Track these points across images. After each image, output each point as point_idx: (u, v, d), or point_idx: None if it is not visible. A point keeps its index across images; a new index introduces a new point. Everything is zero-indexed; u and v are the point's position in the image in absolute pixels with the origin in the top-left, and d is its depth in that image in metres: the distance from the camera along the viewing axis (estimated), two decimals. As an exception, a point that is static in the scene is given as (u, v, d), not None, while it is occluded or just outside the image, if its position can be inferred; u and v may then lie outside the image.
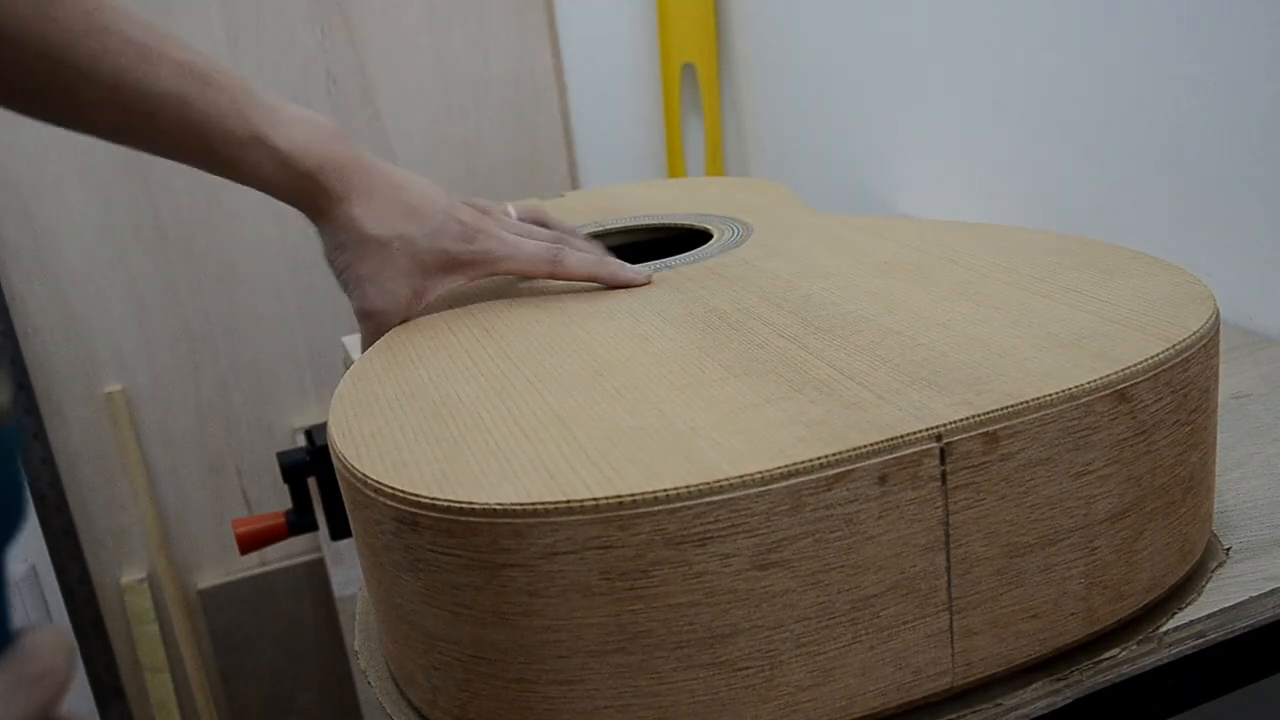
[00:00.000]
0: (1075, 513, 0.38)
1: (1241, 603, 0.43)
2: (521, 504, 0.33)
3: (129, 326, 1.26)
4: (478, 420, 0.39)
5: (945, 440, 0.35)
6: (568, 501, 0.32)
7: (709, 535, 0.33)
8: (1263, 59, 0.66)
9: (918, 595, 0.36)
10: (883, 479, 0.34)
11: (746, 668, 0.35)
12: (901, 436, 0.35)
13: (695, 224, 0.72)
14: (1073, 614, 0.39)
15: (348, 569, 1.07)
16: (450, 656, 0.37)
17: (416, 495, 0.34)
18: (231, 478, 1.33)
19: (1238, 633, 0.44)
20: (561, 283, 0.58)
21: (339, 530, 0.79)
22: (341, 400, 0.44)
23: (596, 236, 0.73)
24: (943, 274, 0.51)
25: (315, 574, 1.38)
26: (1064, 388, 0.37)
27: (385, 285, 0.54)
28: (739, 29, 1.29)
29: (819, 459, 0.34)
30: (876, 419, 0.36)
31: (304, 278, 1.31)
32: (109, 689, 1.32)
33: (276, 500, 1.33)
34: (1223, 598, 0.44)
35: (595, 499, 0.32)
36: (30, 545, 1.27)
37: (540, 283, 0.59)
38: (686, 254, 0.61)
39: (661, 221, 0.75)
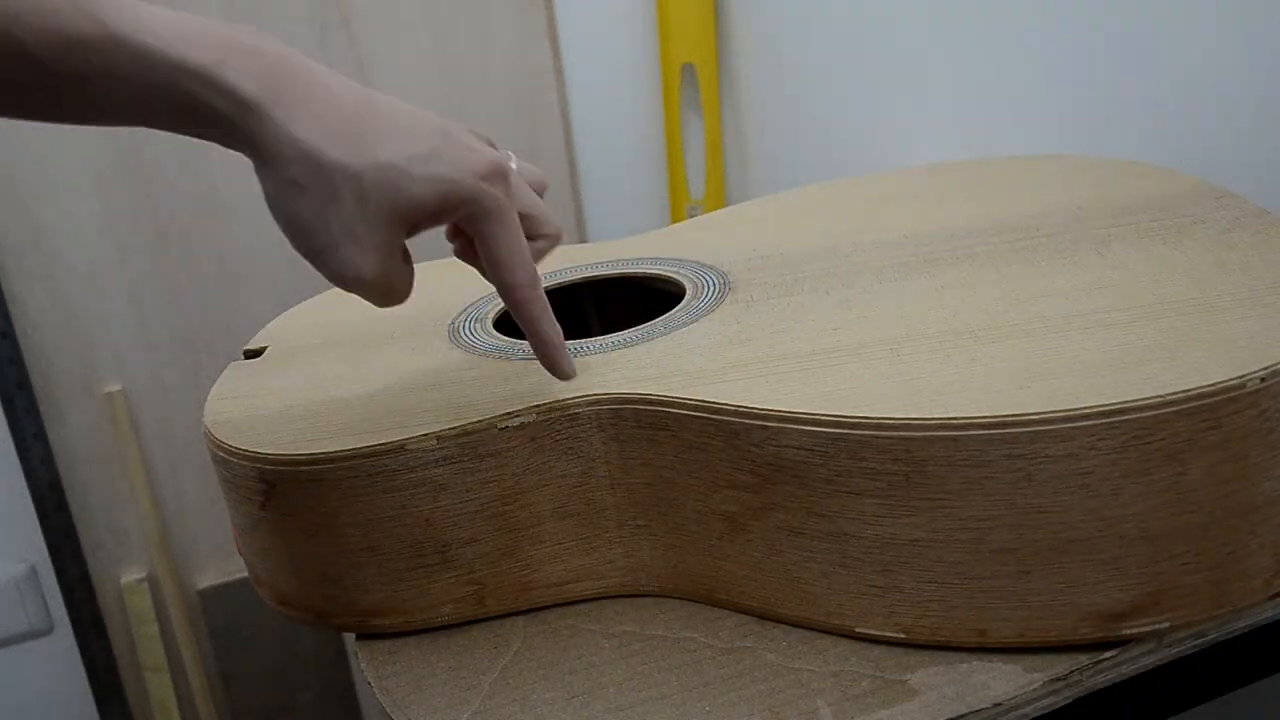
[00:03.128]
0: None
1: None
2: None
3: (129, 326, 1.26)
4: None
5: None
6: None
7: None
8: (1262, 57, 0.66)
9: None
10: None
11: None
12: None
13: (673, 275, 0.63)
14: None
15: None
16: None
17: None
18: (231, 478, 1.32)
19: (1238, 633, 0.44)
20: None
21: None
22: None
23: (571, 285, 0.66)
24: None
25: (315, 574, 1.38)
26: None
27: (342, 235, 0.40)
28: (739, 29, 1.29)
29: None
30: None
31: (304, 278, 1.31)
32: (109, 689, 1.32)
33: (276, 500, 1.32)
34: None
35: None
36: (30, 545, 1.26)
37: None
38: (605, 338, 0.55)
39: (649, 270, 0.65)
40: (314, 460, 0.47)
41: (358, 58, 1.28)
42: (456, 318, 0.61)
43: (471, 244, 0.45)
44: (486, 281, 0.67)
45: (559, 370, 0.47)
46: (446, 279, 0.67)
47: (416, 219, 0.41)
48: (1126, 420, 0.39)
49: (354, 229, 0.40)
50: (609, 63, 1.38)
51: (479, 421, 0.47)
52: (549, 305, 0.46)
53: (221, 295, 1.29)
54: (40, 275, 1.22)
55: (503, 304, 0.62)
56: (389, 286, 0.43)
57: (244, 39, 0.39)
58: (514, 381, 0.50)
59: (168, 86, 0.38)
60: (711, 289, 0.58)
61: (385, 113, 0.41)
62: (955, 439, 0.40)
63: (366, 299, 0.43)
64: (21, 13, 0.36)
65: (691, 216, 1.06)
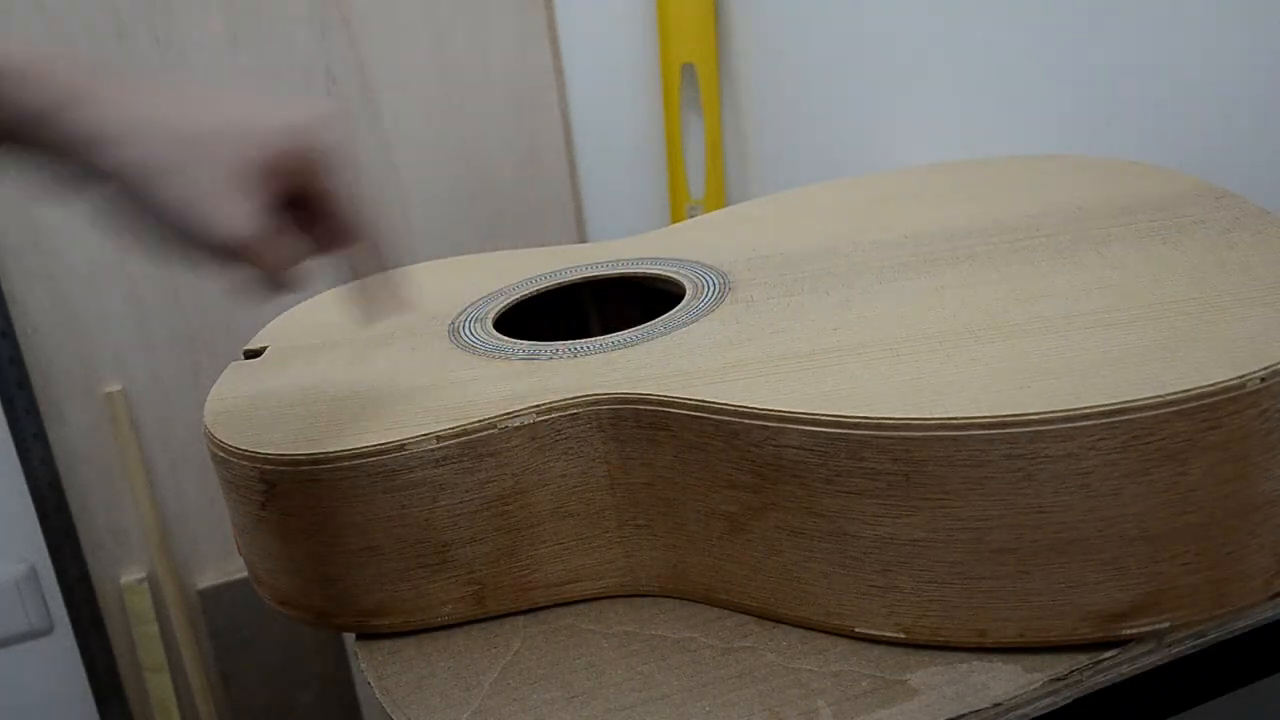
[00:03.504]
0: None
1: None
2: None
3: (129, 326, 1.26)
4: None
5: None
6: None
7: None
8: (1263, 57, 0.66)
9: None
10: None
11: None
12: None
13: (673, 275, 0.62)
14: None
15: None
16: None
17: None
18: (231, 478, 1.32)
19: (1238, 633, 0.44)
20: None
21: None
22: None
23: (572, 285, 0.66)
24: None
25: (315, 574, 1.38)
26: None
27: (202, 200, 0.40)
28: (739, 29, 1.29)
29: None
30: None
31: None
32: (109, 689, 1.32)
33: (276, 500, 1.32)
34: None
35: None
36: (30, 545, 1.26)
37: None
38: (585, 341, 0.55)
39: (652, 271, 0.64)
40: (314, 460, 0.47)
41: (358, 58, 1.28)
42: (456, 318, 0.61)
43: (297, 222, 0.45)
44: (486, 281, 0.67)
45: (387, 305, 0.47)
46: (446, 279, 0.67)
47: (266, 172, 0.41)
48: (1126, 420, 0.39)
49: (216, 189, 0.40)
50: (609, 63, 1.38)
51: (479, 421, 0.47)
52: (385, 246, 0.46)
53: (221, 295, 1.29)
54: (40, 275, 1.22)
55: (503, 304, 0.62)
56: (262, 254, 0.42)
57: (54, 51, 0.40)
58: (514, 381, 0.50)
59: None
60: (711, 289, 0.58)
61: (197, 89, 0.41)
62: (955, 439, 0.40)
63: (256, 269, 0.42)
64: None
65: (691, 216, 1.06)
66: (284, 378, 0.57)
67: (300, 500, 0.48)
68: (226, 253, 0.41)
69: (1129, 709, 0.43)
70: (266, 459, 0.48)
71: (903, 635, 0.44)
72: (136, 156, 0.39)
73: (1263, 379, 0.39)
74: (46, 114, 0.38)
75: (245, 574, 1.43)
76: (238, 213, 0.40)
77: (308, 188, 0.43)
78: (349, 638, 1.00)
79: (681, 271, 0.62)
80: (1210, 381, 0.39)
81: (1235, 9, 0.67)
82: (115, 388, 1.27)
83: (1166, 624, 0.42)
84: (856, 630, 0.45)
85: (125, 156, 0.39)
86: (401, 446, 0.46)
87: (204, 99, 0.41)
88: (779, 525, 0.45)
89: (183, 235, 0.40)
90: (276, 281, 0.43)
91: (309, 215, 0.45)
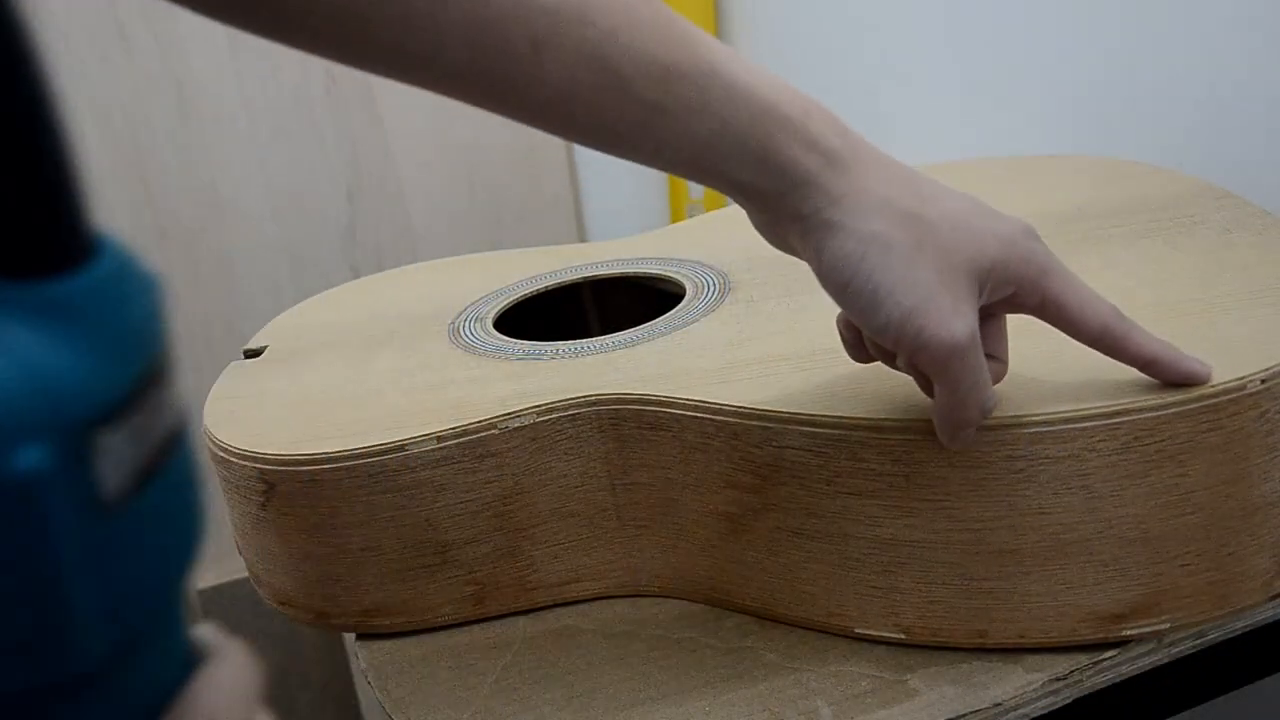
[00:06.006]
0: None
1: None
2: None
3: (129, 326, 1.26)
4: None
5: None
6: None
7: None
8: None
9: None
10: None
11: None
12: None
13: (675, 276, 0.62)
14: None
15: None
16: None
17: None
18: (231, 477, 1.32)
19: (1238, 633, 0.44)
20: None
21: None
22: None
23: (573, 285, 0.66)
24: None
25: (315, 574, 1.38)
26: None
27: (940, 292, 0.36)
28: (739, 29, 1.29)
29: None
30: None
31: (304, 277, 1.31)
32: (109, 689, 1.32)
33: (276, 500, 1.32)
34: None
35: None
36: (30, 545, 1.26)
37: None
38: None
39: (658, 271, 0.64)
40: (314, 460, 0.47)
41: (358, 57, 1.28)
42: (456, 318, 0.61)
43: (985, 328, 0.40)
44: (486, 281, 0.67)
45: (1194, 375, 0.40)
46: (446, 279, 0.67)
47: (987, 277, 0.38)
48: (1127, 421, 0.39)
49: (941, 283, 0.36)
50: (609, 62, 1.38)
51: (479, 421, 0.47)
52: (1135, 325, 0.40)
53: (221, 295, 1.29)
54: (40, 275, 1.22)
55: (503, 304, 0.62)
56: (979, 360, 0.37)
57: (816, 100, 0.38)
58: (514, 381, 0.50)
59: (749, 130, 0.36)
60: (712, 289, 0.58)
61: (924, 175, 0.39)
62: None
63: (953, 375, 0.37)
64: (618, 29, 0.34)
65: (691, 216, 1.06)
66: (284, 378, 0.57)
67: (300, 500, 0.48)
68: (941, 349, 0.36)
69: (1129, 709, 0.43)
70: (266, 459, 0.48)
71: (903, 635, 0.44)
72: (867, 230, 0.36)
73: (1263, 380, 0.39)
74: (797, 171, 0.36)
75: (245, 574, 1.43)
76: (955, 316, 0.36)
77: (1016, 297, 0.39)
78: (349, 638, 0.99)
79: (681, 271, 0.62)
80: (1210, 382, 0.39)
81: (1236, 9, 0.67)
82: (115, 387, 1.27)
83: (1166, 624, 0.42)
84: (856, 630, 0.45)
85: (855, 229, 0.36)
86: (401, 446, 0.46)
87: (929, 187, 0.38)
88: (779, 526, 0.45)
89: (897, 321, 0.36)
90: (968, 387, 0.38)
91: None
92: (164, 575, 0.20)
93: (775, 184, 0.37)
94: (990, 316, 0.40)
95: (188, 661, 0.21)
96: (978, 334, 0.37)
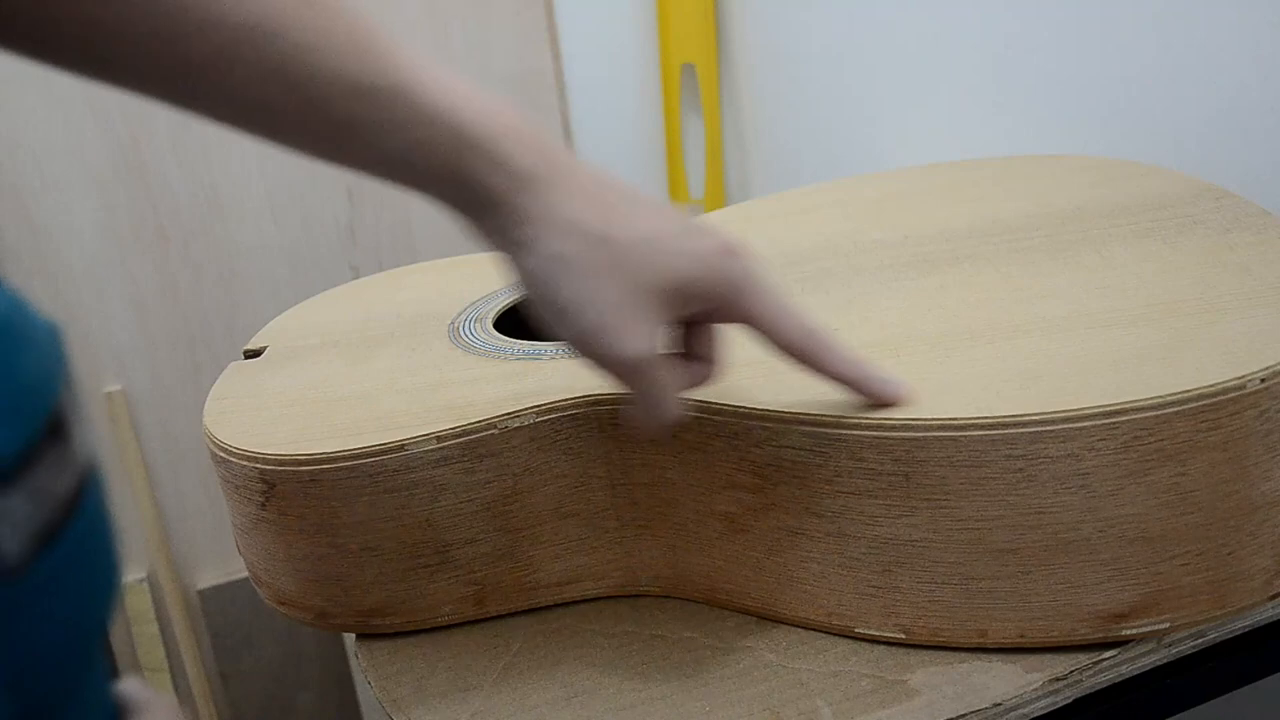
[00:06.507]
0: None
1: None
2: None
3: (129, 326, 1.26)
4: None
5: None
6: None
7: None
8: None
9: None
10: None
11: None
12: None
13: None
14: None
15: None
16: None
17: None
18: (231, 478, 1.32)
19: (1238, 633, 0.44)
20: None
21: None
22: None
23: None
24: None
25: (315, 574, 1.37)
26: None
27: (617, 312, 0.38)
28: (739, 29, 1.29)
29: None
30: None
31: (304, 278, 1.31)
32: (109, 689, 1.32)
33: (276, 500, 1.32)
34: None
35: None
36: (30, 545, 1.26)
37: None
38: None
39: None
40: (314, 460, 0.47)
41: (358, 58, 1.28)
42: (456, 318, 0.61)
43: (692, 335, 0.43)
44: (486, 281, 0.67)
45: (885, 395, 0.42)
46: (446, 279, 0.67)
47: (676, 295, 0.40)
48: (1126, 421, 0.39)
49: (621, 302, 0.38)
50: (609, 63, 1.38)
51: (479, 421, 0.47)
52: (833, 342, 0.42)
53: (221, 295, 1.29)
54: (40, 275, 1.22)
55: (503, 304, 0.62)
56: (656, 375, 0.40)
57: (515, 113, 0.38)
58: (514, 381, 0.50)
59: (439, 150, 0.37)
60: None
61: (625, 191, 0.40)
62: (955, 439, 0.40)
63: (634, 385, 0.40)
64: (311, 46, 0.35)
65: (691, 217, 1.06)
66: (284, 378, 0.57)
67: (300, 500, 0.48)
68: (619, 366, 0.39)
69: (1129, 709, 0.43)
70: (266, 459, 0.48)
71: (903, 635, 0.44)
72: (552, 251, 0.38)
73: (1262, 379, 0.39)
74: (487, 192, 0.38)
75: (245, 574, 1.43)
76: (630, 334, 0.39)
77: (717, 310, 0.41)
78: (349, 638, 0.99)
79: None
80: (1210, 382, 0.39)
81: (1236, 9, 0.67)
82: (115, 388, 1.27)
83: (1166, 624, 0.42)
84: (856, 630, 0.45)
85: (541, 249, 0.38)
86: (401, 446, 0.46)
87: (629, 207, 0.39)
88: (779, 526, 0.45)
89: (583, 338, 0.39)
90: (650, 401, 0.41)
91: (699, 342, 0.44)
92: (73, 637, 0.18)
93: (467, 202, 0.38)
94: (699, 325, 0.43)
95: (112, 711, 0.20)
96: (655, 350, 0.39)
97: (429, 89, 0.36)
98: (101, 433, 1.27)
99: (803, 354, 0.42)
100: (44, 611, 0.17)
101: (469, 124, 0.37)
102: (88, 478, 0.19)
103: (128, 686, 0.21)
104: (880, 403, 0.42)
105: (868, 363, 0.43)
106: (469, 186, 0.38)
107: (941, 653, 0.44)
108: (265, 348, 0.62)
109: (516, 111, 0.39)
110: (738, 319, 0.41)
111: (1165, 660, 0.43)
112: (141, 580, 1.31)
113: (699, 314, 0.41)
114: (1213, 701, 0.46)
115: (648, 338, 0.39)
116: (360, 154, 0.37)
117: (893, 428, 0.41)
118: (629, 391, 0.41)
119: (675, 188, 1.38)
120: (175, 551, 1.34)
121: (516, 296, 0.63)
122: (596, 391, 0.47)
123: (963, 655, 0.44)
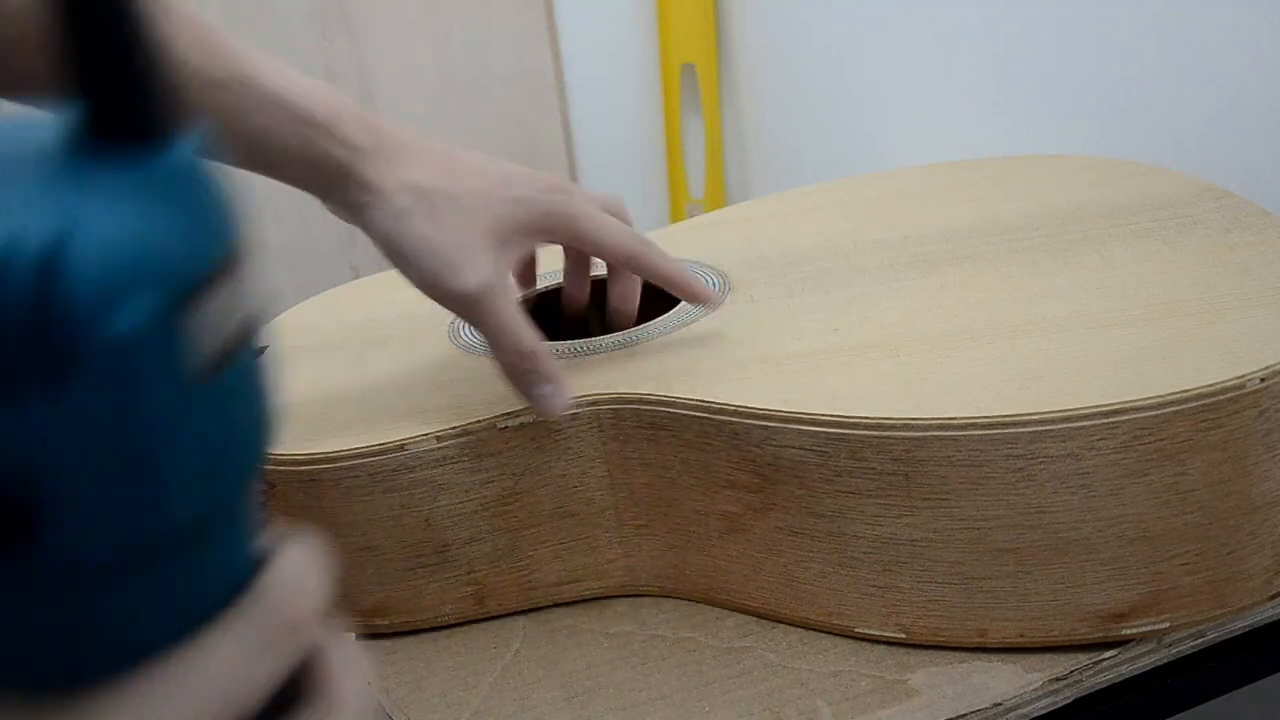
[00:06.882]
0: None
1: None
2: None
3: (129, 326, 1.26)
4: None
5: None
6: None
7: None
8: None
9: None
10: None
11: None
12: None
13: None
14: None
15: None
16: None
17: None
18: (231, 478, 1.32)
19: (1238, 633, 0.44)
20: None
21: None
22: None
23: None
24: None
25: (315, 574, 1.38)
26: None
27: (456, 251, 0.44)
28: (739, 29, 1.29)
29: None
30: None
31: (303, 277, 1.31)
32: (109, 689, 1.32)
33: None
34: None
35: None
36: (30, 545, 1.26)
37: None
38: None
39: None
40: (314, 460, 0.47)
41: (358, 58, 1.28)
42: (456, 318, 0.61)
43: (578, 264, 0.53)
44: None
45: (703, 294, 0.50)
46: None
47: (514, 234, 0.46)
48: (1126, 420, 0.39)
49: (460, 243, 0.44)
50: (609, 63, 1.38)
51: (479, 421, 0.47)
52: (660, 250, 0.49)
53: (221, 295, 1.29)
54: (40, 275, 1.22)
55: None
56: (498, 305, 0.45)
57: (344, 98, 0.45)
58: None
59: (288, 133, 0.42)
60: (712, 289, 0.58)
61: (466, 156, 0.46)
62: (955, 439, 0.40)
63: (479, 321, 0.45)
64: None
65: (691, 216, 1.06)
66: (283, 378, 0.57)
67: (300, 500, 0.48)
68: (462, 300, 0.44)
69: (1129, 709, 0.43)
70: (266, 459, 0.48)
71: (903, 635, 0.44)
72: (395, 207, 0.44)
73: (1262, 379, 0.39)
74: (336, 165, 0.43)
75: (245, 574, 1.42)
76: (471, 270, 0.44)
77: (559, 239, 0.49)
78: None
79: None
80: (1210, 381, 0.39)
81: (1236, 9, 0.67)
82: (115, 388, 1.27)
83: (1166, 624, 0.42)
84: (856, 630, 0.45)
85: (386, 207, 0.44)
86: (401, 446, 0.46)
87: (465, 166, 0.46)
88: (779, 525, 0.45)
89: (429, 280, 0.44)
90: (512, 343, 0.45)
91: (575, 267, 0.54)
92: (244, 454, 0.21)
93: (319, 178, 0.44)
94: (615, 274, 0.53)
95: (258, 553, 0.22)
96: (494, 284, 0.44)
97: (267, 76, 0.42)
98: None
99: (634, 259, 0.49)
100: (225, 419, 0.19)
101: (303, 106, 0.42)
102: (259, 317, 0.21)
103: (271, 529, 0.22)
104: (697, 300, 0.51)
105: (687, 269, 0.51)
106: (315, 164, 0.43)
107: (941, 653, 0.44)
108: (265, 348, 0.62)
109: (345, 98, 0.45)
110: (574, 240, 0.49)
111: (1165, 660, 0.43)
112: (141, 580, 1.31)
113: (542, 242, 0.49)
114: (1213, 701, 0.46)
115: (487, 272, 0.44)
116: (226, 143, 0.40)
117: (893, 427, 0.41)
118: (482, 334, 0.45)
119: (675, 188, 1.38)
120: (175, 551, 1.34)
121: (516, 297, 0.63)
122: (597, 391, 0.47)
123: (963, 655, 0.44)
